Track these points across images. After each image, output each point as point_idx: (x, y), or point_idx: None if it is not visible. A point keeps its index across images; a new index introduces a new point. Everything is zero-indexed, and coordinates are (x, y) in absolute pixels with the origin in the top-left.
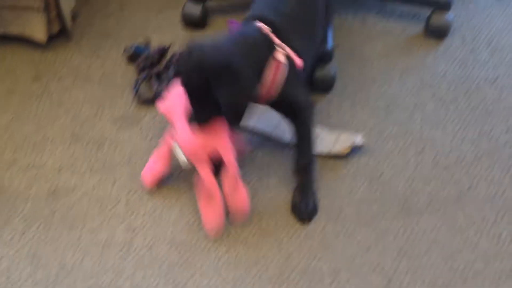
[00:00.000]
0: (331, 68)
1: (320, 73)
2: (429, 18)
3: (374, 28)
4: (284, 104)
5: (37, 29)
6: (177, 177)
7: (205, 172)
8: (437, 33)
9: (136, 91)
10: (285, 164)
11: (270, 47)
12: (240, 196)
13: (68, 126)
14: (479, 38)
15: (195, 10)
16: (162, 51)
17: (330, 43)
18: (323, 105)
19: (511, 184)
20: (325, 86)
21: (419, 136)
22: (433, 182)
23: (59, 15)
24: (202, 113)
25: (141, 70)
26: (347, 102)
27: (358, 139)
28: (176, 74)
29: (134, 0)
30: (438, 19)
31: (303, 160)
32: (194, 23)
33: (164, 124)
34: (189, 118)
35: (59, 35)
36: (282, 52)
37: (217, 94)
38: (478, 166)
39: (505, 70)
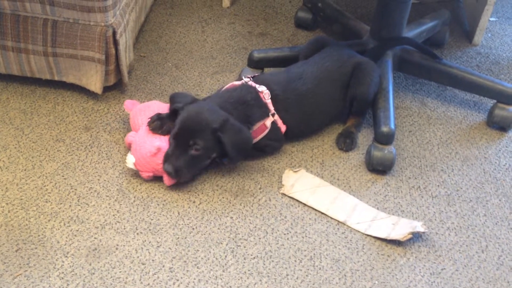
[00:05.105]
0: (390, 150)
1: (379, 154)
2: (492, 109)
3: (434, 113)
4: (256, 146)
5: (94, 80)
6: (224, 249)
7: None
8: (500, 125)
9: None
10: None
11: (263, 114)
12: None
13: (115, 180)
14: None
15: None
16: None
17: (391, 124)
18: (380, 187)
19: None
20: (383, 168)
21: (482, 232)
22: (499, 283)
23: (118, 68)
24: (175, 157)
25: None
26: (405, 187)
27: (419, 226)
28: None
29: (190, 61)
30: (501, 112)
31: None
32: None
33: (213, 191)
34: (164, 156)
35: (113, 87)
36: (271, 119)
37: (224, 140)
38: None
39: None
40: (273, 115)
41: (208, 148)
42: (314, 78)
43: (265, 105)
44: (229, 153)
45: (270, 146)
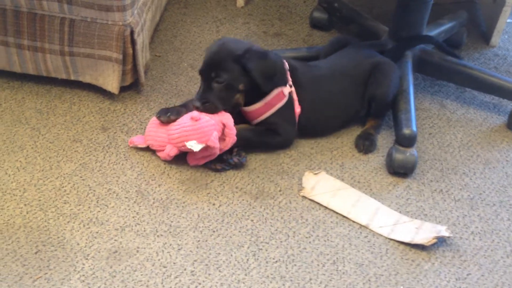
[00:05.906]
0: (412, 152)
1: (401, 156)
2: None
3: (454, 115)
4: (266, 126)
5: (111, 80)
6: (246, 252)
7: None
8: None
9: None
10: None
11: (284, 81)
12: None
13: (134, 182)
14: None
15: None
16: None
17: (413, 127)
18: (401, 190)
19: None
20: (405, 171)
21: (506, 236)
22: None
23: (135, 68)
24: (202, 92)
25: None
26: (427, 190)
27: (444, 230)
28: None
29: None
30: None
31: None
32: None
33: (232, 194)
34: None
35: (130, 87)
36: (289, 89)
37: (248, 66)
38: None
39: None
40: (290, 86)
41: (234, 79)
42: (328, 68)
43: (286, 73)
44: (257, 80)
45: (282, 127)
